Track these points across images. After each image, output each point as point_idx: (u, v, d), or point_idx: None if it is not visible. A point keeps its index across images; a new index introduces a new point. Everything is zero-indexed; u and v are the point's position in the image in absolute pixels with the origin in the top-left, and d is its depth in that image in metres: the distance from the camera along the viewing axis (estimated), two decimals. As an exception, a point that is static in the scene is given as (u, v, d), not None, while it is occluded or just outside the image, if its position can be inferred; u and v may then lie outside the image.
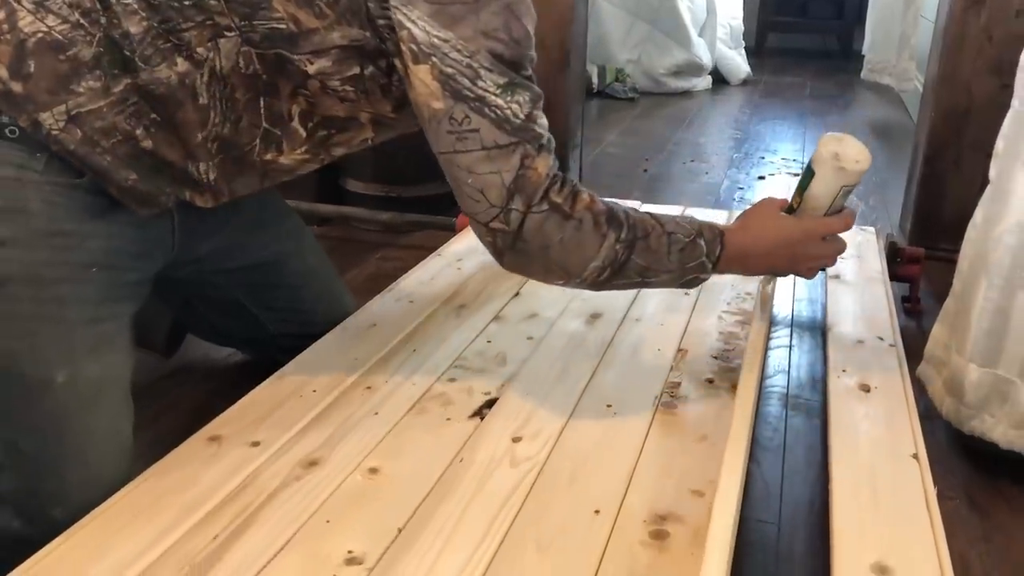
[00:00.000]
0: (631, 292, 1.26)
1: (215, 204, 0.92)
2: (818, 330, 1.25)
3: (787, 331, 1.26)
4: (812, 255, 0.96)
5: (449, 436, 0.88)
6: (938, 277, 1.50)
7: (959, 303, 1.02)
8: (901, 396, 0.97)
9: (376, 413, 0.91)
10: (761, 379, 0.96)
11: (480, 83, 0.77)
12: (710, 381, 1.01)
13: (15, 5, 0.79)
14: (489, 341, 1.09)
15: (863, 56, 4.39)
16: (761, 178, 2.47)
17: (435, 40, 0.77)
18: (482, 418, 0.91)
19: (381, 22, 0.83)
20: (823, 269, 1.04)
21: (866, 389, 0.98)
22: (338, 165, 1.87)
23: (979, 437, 0.98)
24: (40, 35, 0.79)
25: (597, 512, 0.76)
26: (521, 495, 0.78)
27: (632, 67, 3.84)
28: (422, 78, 0.78)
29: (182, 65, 0.82)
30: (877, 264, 1.40)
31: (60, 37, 0.79)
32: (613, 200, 0.87)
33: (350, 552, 0.70)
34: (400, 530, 0.73)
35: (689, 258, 0.87)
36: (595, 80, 3.68)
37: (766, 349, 1.00)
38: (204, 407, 0.97)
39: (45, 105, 0.79)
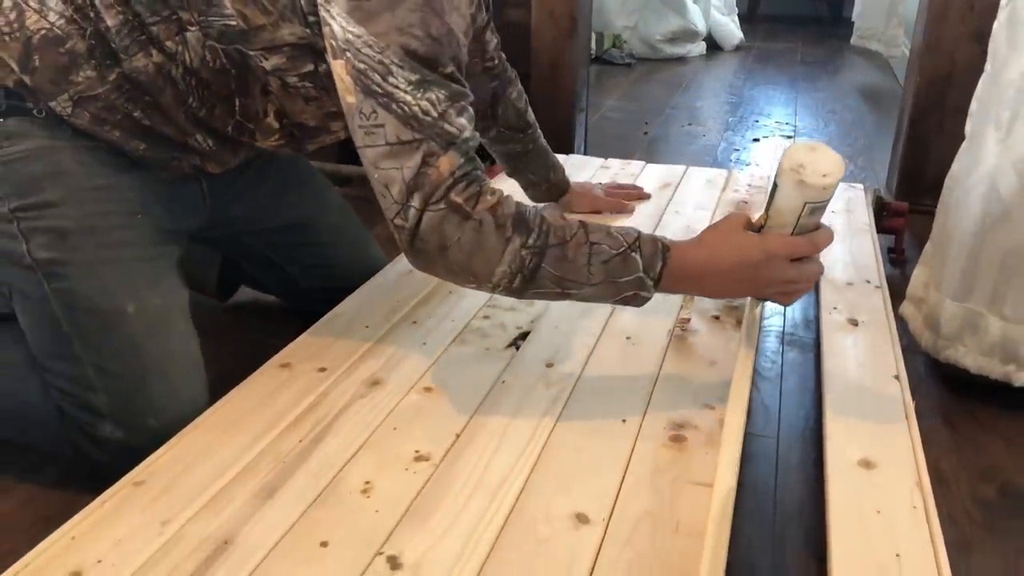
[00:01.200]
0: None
1: (223, 171, 1.02)
2: (811, 277, 1.38)
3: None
4: (779, 278, 0.83)
5: (490, 363, 1.00)
6: (921, 229, 1.62)
7: (937, 246, 1.15)
8: (885, 329, 1.10)
9: (424, 343, 1.03)
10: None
11: (391, 79, 0.76)
12: (716, 318, 1.13)
13: (23, 5, 0.89)
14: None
15: (853, 23, 4.48)
16: (756, 140, 2.58)
17: (349, 36, 0.76)
18: (517, 348, 1.03)
19: (311, 18, 0.87)
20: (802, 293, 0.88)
21: (855, 323, 1.11)
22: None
23: (953, 364, 1.11)
24: (43, 31, 0.88)
25: (624, 421, 0.89)
26: (557, 409, 0.91)
27: (629, 33, 3.93)
28: (339, 73, 0.79)
29: (157, 56, 0.90)
30: (865, 217, 1.52)
31: (59, 32, 0.89)
32: (535, 206, 0.84)
33: (417, 451, 0.82)
34: (458, 435, 0.85)
35: (619, 272, 0.80)
36: (593, 46, 3.76)
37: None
38: (259, 345, 1.08)
39: (52, 95, 0.90)
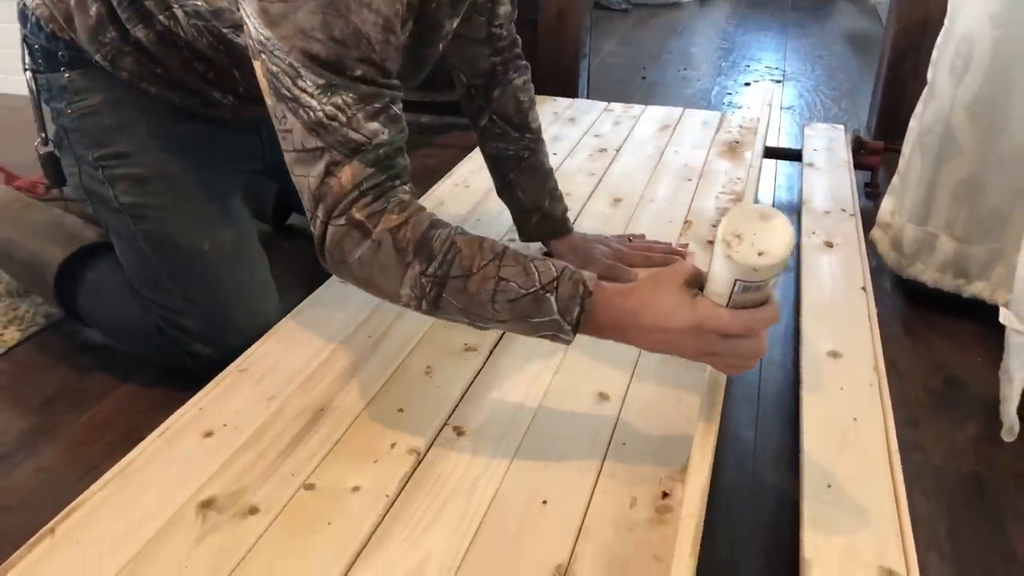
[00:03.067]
0: (644, 178, 1.54)
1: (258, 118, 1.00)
2: (794, 208, 1.55)
3: (769, 209, 1.56)
4: (711, 351, 0.71)
5: (519, 278, 1.17)
6: (895, 167, 1.80)
7: (902, 179, 1.32)
8: (856, 250, 1.27)
9: (461, 263, 1.21)
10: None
11: (300, 83, 0.73)
12: (710, 242, 1.31)
13: None
14: (536, 214, 1.37)
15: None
16: (747, 84, 2.73)
17: (261, 37, 0.73)
18: (541, 266, 1.21)
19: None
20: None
21: (830, 245, 1.29)
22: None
23: (914, 280, 1.29)
24: None
25: (635, 323, 1.06)
26: (579, 314, 1.08)
27: (625, -21, 4.03)
28: (259, 73, 0.76)
29: (156, 27, 0.97)
30: (844, 155, 1.69)
31: None
32: (453, 227, 0.76)
33: (466, 344, 1.00)
34: (501, 334, 1.03)
35: (529, 313, 0.73)
36: (590, -8, 3.87)
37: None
38: (313, 265, 1.25)
39: (93, 51, 0.99)
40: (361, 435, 0.84)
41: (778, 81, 2.78)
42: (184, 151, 1.07)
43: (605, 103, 1.96)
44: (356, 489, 0.77)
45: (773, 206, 1.63)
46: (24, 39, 1.05)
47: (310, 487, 0.77)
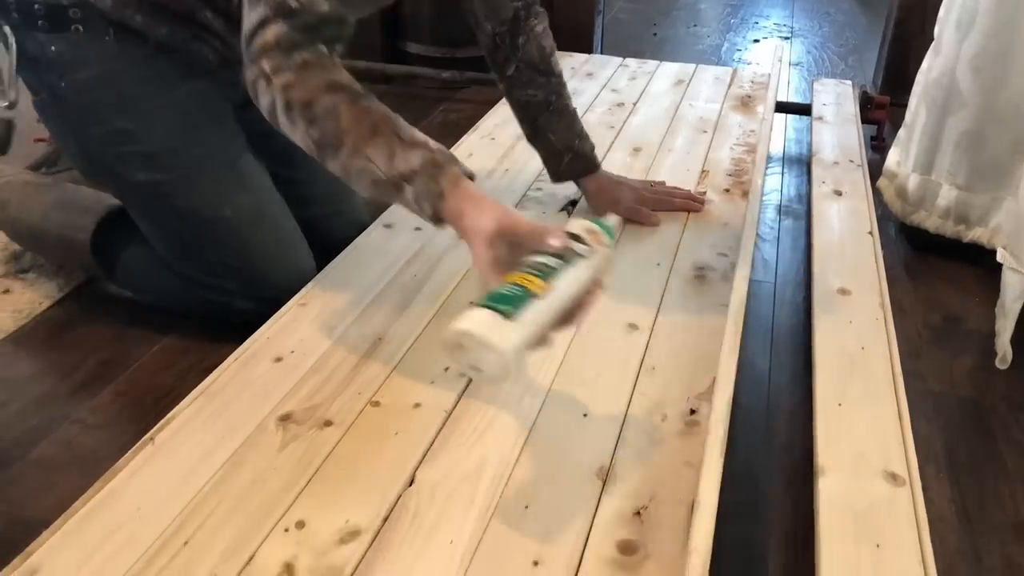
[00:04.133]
0: (661, 129, 1.61)
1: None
2: (804, 161, 1.63)
3: (779, 161, 1.64)
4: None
5: (549, 222, 1.25)
6: (900, 122, 1.87)
7: (908, 130, 1.39)
8: (863, 198, 1.35)
9: (493, 209, 1.29)
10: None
11: None
12: (727, 190, 1.38)
13: None
14: (561, 164, 1.45)
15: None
16: (756, 41, 2.78)
17: None
18: (569, 212, 1.29)
19: None
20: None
21: (839, 194, 1.37)
22: (398, 29, 2.16)
23: (917, 227, 1.38)
24: None
25: (658, 264, 1.15)
26: (606, 255, 1.17)
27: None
28: None
29: None
30: (852, 109, 1.76)
31: None
32: (348, 92, 0.80)
33: (506, 283, 1.09)
34: (533, 272, 1.11)
35: (387, 194, 0.80)
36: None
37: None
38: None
39: None
40: (417, 360, 0.93)
41: (786, 38, 2.83)
42: (186, 119, 1.07)
43: (620, 59, 2.02)
44: (417, 405, 0.86)
45: (783, 158, 1.71)
46: None
47: (376, 404, 0.86)
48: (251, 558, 0.68)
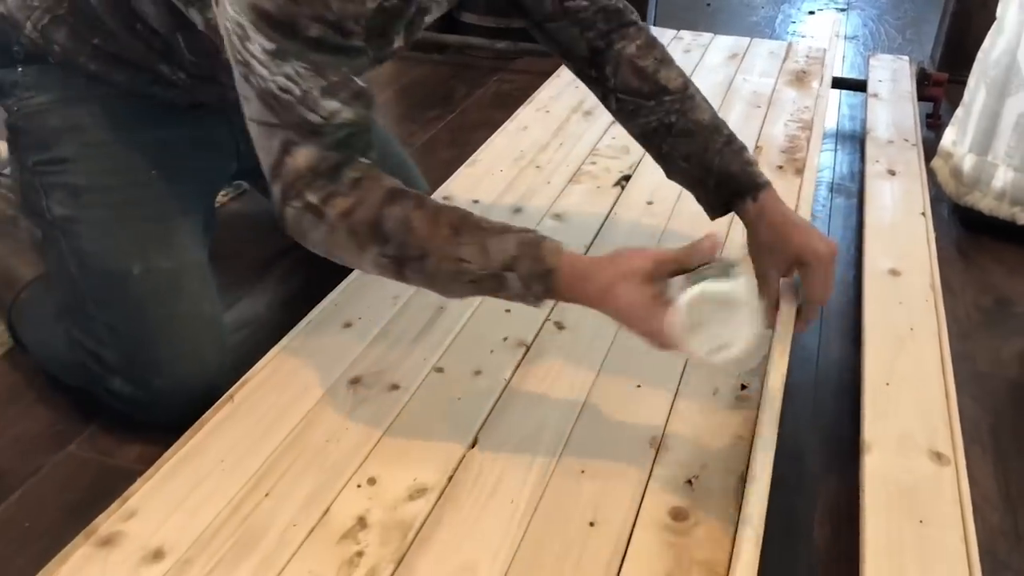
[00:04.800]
0: (715, 104, 1.62)
1: (227, 104, 0.89)
2: (857, 138, 1.63)
3: (832, 138, 1.64)
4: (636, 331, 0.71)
5: (602, 199, 1.28)
6: (958, 99, 1.85)
7: (966, 110, 1.39)
8: (917, 178, 1.36)
9: (548, 182, 1.32)
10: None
11: (248, 45, 0.67)
12: (780, 167, 1.39)
13: None
14: (614, 137, 1.47)
15: None
16: (811, 13, 2.74)
17: None
18: (622, 188, 1.31)
19: None
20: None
21: (892, 173, 1.38)
22: None
23: (971, 208, 1.38)
24: None
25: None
26: (659, 232, 1.19)
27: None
28: (220, 23, 0.71)
29: None
30: (908, 86, 1.75)
31: None
32: (408, 198, 0.72)
33: (562, 256, 1.12)
34: (587, 247, 1.15)
35: (491, 290, 0.72)
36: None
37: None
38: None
39: (23, 20, 0.91)
40: (477, 329, 0.97)
41: (842, 9, 2.79)
42: (133, 162, 0.96)
43: (675, 31, 2.02)
44: (478, 373, 0.90)
45: (836, 136, 1.71)
46: None
47: (439, 370, 0.91)
48: (327, 510, 0.73)
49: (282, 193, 0.72)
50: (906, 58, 1.89)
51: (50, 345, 0.99)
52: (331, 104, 0.68)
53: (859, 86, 1.83)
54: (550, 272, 0.70)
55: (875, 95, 1.71)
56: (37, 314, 1.01)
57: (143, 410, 0.93)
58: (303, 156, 0.69)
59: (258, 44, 0.66)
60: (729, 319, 0.64)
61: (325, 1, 0.66)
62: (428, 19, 0.87)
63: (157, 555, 0.69)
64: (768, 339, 0.63)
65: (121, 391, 0.93)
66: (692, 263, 0.68)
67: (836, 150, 1.67)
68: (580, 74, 0.99)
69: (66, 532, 0.75)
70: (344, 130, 0.70)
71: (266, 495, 0.74)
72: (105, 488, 0.84)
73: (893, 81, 1.77)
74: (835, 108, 1.89)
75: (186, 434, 0.81)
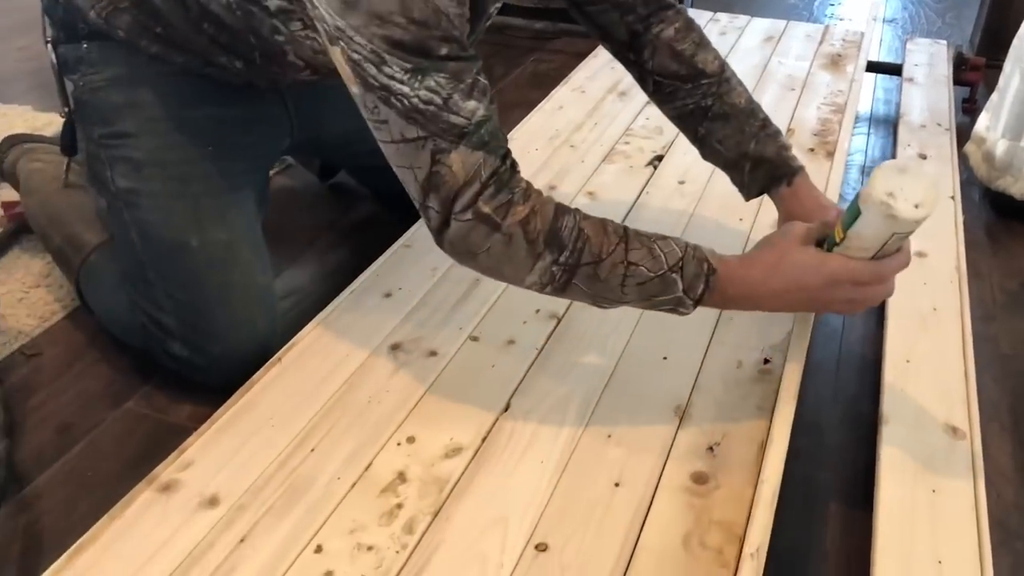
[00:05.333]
0: (749, 86, 1.63)
1: (289, 85, 1.00)
2: (891, 122, 1.64)
3: (866, 122, 1.65)
4: (840, 299, 0.76)
5: (635, 178, 1.31)
6: (995, 84, 1.85)
7: (1000, 95, 1.40)
8: (948, 161, 1.37)
9: (582, 161, 1.35)
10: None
11: (386, 69, 0.68)
12: (812, 150, 1.41)
13: None
14: (648, 118, 1.50)
15: None
16: (850, -6, 2.73)
17: (338, 24, 0.68)
18: (655, 167, 1.34)
19: None
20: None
21: (923, 157, 1.39)
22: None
23: (1002, 192, 1.39)
24: None
25: (741, 220, 1.20)
26: (689, 211, 1.22)
27: None
28: (338, 60, 0.71)
29: None
30: (944, 71, 1.75)
31: None
32: (575, 215, 0.75)
33: (594, 233, 1.15)
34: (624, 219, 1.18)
35: (655, 293, 0.75)
36: None
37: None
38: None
39: (87, 8, 0.94)
40: (511, 302, 1.01)
41: (882, -9, 2.77)
42: (190, 138, 1.00)
43: (711, 13, 2.03)
44: (511, 342, 0.95)
45: (869, 120, 1.72)
46: (44, 10, 1.01)
47: (475, 339, 0.95)
48: (369, 465, 0.78)
49: (443, 206, 0.72)
50: (944, 42, 1.88)
51: (113, 308, 1.04)
52: (470, 104, 0.70)
53: (895, 70, 1.84)
54: (713, 271, 0.75)
55: (910, 79, 1.71)
56: (102, 278, 1.06)
57: (199, 371, 0.98)
58: (457, 160, 0.70)
59: (396, 67, 0.68)
60: (911, 177, 0.68)
61: (448, 19, 0.68)
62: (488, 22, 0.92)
63: (212, 501, 0.74)
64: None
65: (179, 354, 0.98)
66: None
67: (869, 134, 1.68)
68: (618, 56, 1.02)
69: (125, 480, 0.81)
70: (484, 127, 0.71)
71: (312, 450, 0.79)
72: (159, 442, 0.91)
73: (929, 65, 1.77)
74: (870, 91, 1.89)
75: (238, 392, 0.86)
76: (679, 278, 0.74)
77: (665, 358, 0.93)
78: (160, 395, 1.00)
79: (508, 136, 1.41)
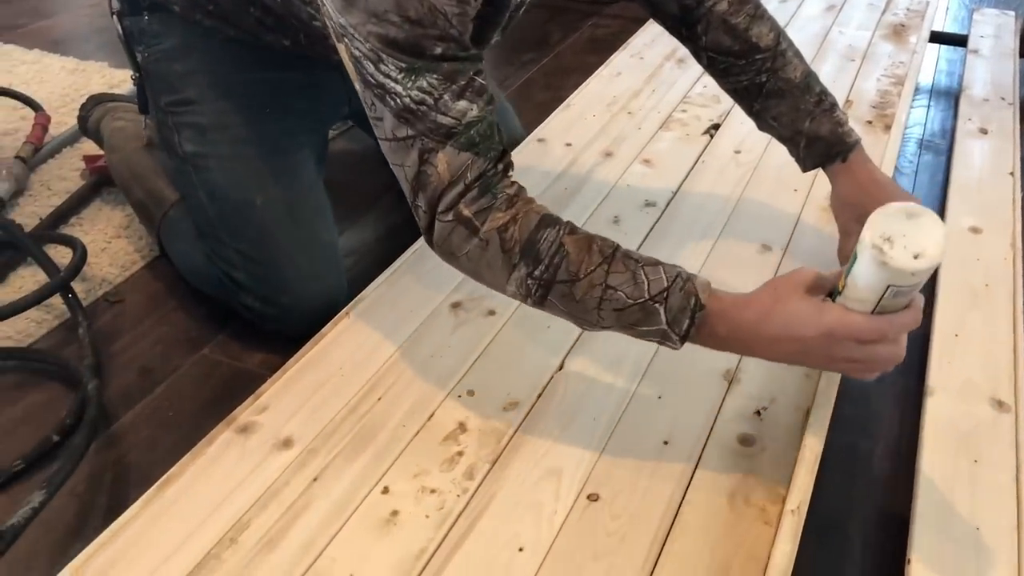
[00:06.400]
0: (808, 56, 1.63)
1: (325, 60, 1.00)
2: (953, 95, 1.62)
3: (927, 94, 1.64)
4: (841, 358, 0.69)
5: (691, 147, 1.33)
6: (1063, 57, 1.81)
7: (1067, 71, 1.38)
8: (1010, 137, 1.36)
9: (639, 128, 1.37)
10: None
11: (383, 67, 0.69)
12: (869, 122, 1.41)
13: None
14: (705, 86, 1.51)
15: None
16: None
17: (341, 22, 0.70)
18: (711, 136, 1.36)
19: None
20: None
21: (984, 132, 1.38)
22: (551, -57, 2.20)
23: (1063, 169, 1.37)
24: None
25: (795, 190, 1.21)
26: (744, 180, 1.24)
27: None
28: (343, 55, 0.73)
29: None
30: (1011, 43, 1.72)
31: None
32: (559, 222, 0.72)
33: (647, 200, 1.18)
34: (674, 193, 1.20)
35: (635, 322, 0.71)
36: None
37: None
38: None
39: None
40: (567, 264, 1.05)
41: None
42: (249, 101, 1.05)
43: (772, -20, 2.01)
44: (566, 304, 0.98)
45: (931, 92, 1.70)
46: None
47: (531, 299, 0.99)
48: (431, 415, 0.83)
49: (429, 205, 0.72)
50: (1012, 13, 1.84)
51: (191, 260, 1.10)
52: (460, 104, 0.70)
53: (959, 41, 1.81)
54: (701, 307, 0.70)
55: (975, 51, 1.69)
56: (181, 231, 1.12)
57: (271, 322, 1.03)
58: (443, 161, 0.70)
59: (392, 65, 0.69)
60: (916, 226, 0.61)
61: (446, 18, 0.68)
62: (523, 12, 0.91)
63: (287, 443, 0.80)
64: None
65: (252, 306, 1.04)
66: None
67: (929, 106, 1.66)
68: (670, 31, 1.03)
69: (203, 421, 0.87)
70: (474, 128, 0.71)
71: (379, 399, 0.84)
72: (234, 387, 0.97)
73: (996, 37, 1.74)
74: (932, 63, 1.87)
75: (309, 343, 0.91)
76: (662, 309, 0.70)
77: (716, 324, 0.96)
78: (234, 343, 1.05)
79: (567, 103, 1.45)
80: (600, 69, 1.58)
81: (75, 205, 1.28)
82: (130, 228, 1.25)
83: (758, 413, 0.85)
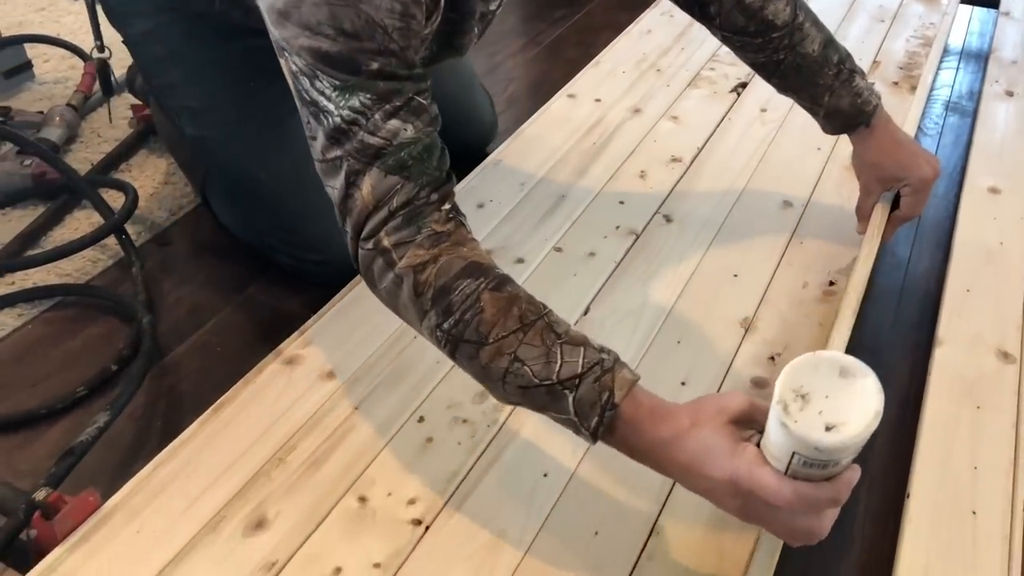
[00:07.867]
0: (838, 15, 1.64)
1: None
2: (983, 57, 1.62)
3: (956, 56, 1.64)
4: (755, 514, 0.58)
5: (718, 104, 1.36)
6: (1098, 20, 1.80)
7: (1096, 34, 1.38)
8: (1035, 99, 1.38)
9: (667, 86, 1.40)
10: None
11: (318, 84, 0.64)
12: (895, 83, 1.43)
13: None
14: (735, 47, 1.53)
15: None
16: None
17: (277, 35, 0.66)
18: (738, 94, 1.39)
19: None
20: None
21: (1010, 94, 1.40)
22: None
23: (1087, 133, 1.39)
24: None
25: (819, 149, 1.24)
26: (769, 139, 1.27)
27: None
28: (284, 71, 0.68)
29: None
30: (1043, 5, 1.72)
31: None
32: (487, 272, 0.64)
33: (673, 156, 1.22)
34: (699, 149, 1.24)
35: (542, 404, 0.62)
36: None
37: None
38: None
39: None
40: (593, 216, 1.10)
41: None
42: (229, 77, 1.04)
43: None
44: (592, 254, 1.03)
45: (960, 54, 1.71)
46: None
47: (559, 249, 1.04)
48: (463, 353, 0.88)
49: (354, 231, 0.67)
50: (1047, -25, 1.83)
51: (232, 217, 1.14)
52: (391, 124, 0.64)
53: (992, 3, 1.80)
54: (614, 407, 0.59)
55: (1007, 13, 1.69)
56: (219, 191, 1.13)
57: (307, 276, 1.07)
58: (367, 184, 0.64)
59: (327, 81, 0.64)
60: (846, 387, 0.51)
61: (386, 32, 0.63)
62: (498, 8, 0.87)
63: (330, 375, 0.86)
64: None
65: (286, 263, 1.09)
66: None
67: (958, 68, 1.67)
68: (685, 9, 1.01)
69: (250, 355, 0.93)
70: (406, 150, 0.65)
71: (414, 337, 0.90)
72: (277, 325, 1.02)
73: (1028, -1, 1.74)
74: (964, 25, 1.87)
75: (347, 287, 0.97)
76: (571, 397, 0.60)
77: (736, 275, 1.00)
78: (276, 286, 1.11)
79: (597, 59, 1.48)
80: (631, 26, 1.61)
81: (124, 152, 1.34)
82: (176, 175, 1.30)
83: (772, 359, 0.90)
